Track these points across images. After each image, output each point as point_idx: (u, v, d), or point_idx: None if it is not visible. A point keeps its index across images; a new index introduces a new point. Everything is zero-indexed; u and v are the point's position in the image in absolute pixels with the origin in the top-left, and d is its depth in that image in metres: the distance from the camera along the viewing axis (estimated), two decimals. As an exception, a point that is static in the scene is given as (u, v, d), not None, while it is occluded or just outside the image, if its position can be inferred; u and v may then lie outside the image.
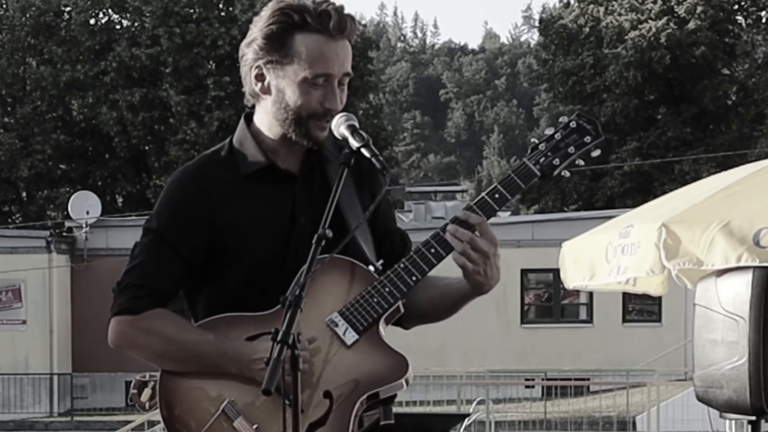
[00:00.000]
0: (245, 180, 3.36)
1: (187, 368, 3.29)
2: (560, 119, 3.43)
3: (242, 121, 3.43)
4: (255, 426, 3.22)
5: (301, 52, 3.27)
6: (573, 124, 3.39)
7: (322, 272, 3.19)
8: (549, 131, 3.40)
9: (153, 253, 3.32)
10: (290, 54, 3.28)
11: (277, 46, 3.29)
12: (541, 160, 3.35)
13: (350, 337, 3.25)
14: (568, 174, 3.39)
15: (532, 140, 3.41)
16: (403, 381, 3.26)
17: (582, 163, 3.39)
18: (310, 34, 3.27)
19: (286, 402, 3.02)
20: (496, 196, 3.31)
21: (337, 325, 3.26)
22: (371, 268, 3.31)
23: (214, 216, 3.32)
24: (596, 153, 3.40)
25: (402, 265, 3.29)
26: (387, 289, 3.27)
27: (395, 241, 3.48)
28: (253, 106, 3.42)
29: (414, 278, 3.28)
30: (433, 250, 3.30)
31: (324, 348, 3.24)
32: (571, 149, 3.37)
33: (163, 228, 3.33)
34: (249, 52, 3.34)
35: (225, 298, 3.33)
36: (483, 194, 3.32)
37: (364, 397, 3.24)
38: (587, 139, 3.38)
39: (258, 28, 3.32)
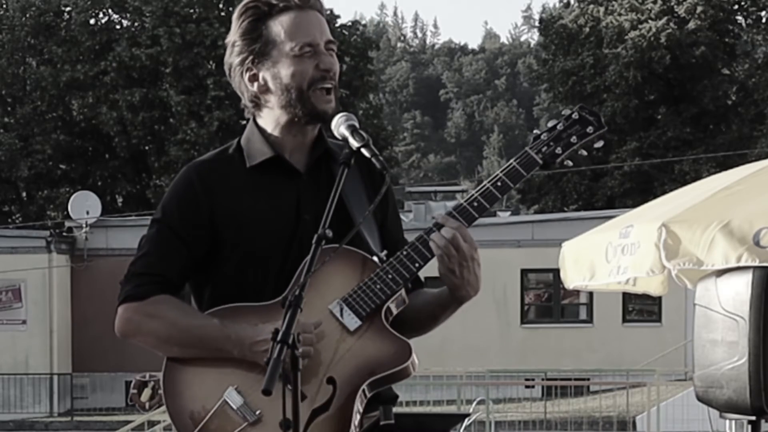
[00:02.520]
0: (250, 174, 3.39)
1: (190, 353, 3.29)
2: (563, 112, 3.44)
3: (251, 120, 3.47)
4: (257, 411, 3.22)
5: (279, 32, 3.34)
6: (575, 116, 3.40)
7: (326, 262, 3.19)
8: (551, 123, 3.41)
9: (158, 242, 3.36)
10: (270, 40, 3.35)
11: (256, 37, 3.36)
12: (543, 149, 3.37)
13: (353, 323, 3.25)
14: (570, 163, 3.39)
15: (534, 131, 3.42)
16: (408, 365, 3.25)
17: (585, 153, 3.40)
18: (281, 15, 3.35)
19: (288, 387, 3.00)
20: (499, 184, 3.32)
21: (339, 312, 3.26)
22: (375, 258, 3.32)
23: (215, 210, 3.35)
24: (599, 144, 3.41)
25: (405, 252, 3.29)
26: (390, 276, 3.27)
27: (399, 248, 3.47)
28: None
29: (417, 264, 3.29)
30: None
31: (327, 334, 3.24)
32: (574, 139, 3.38)
33: (167, 218, 3.37)
34: (234, 58, 3.41)
35: (228, 291, 3.34)
36: (486, 182, 3.33)
37: (368, 382, 3.23)
38: (589, 129, 3.39)
39: (232, 32, 3.40)
